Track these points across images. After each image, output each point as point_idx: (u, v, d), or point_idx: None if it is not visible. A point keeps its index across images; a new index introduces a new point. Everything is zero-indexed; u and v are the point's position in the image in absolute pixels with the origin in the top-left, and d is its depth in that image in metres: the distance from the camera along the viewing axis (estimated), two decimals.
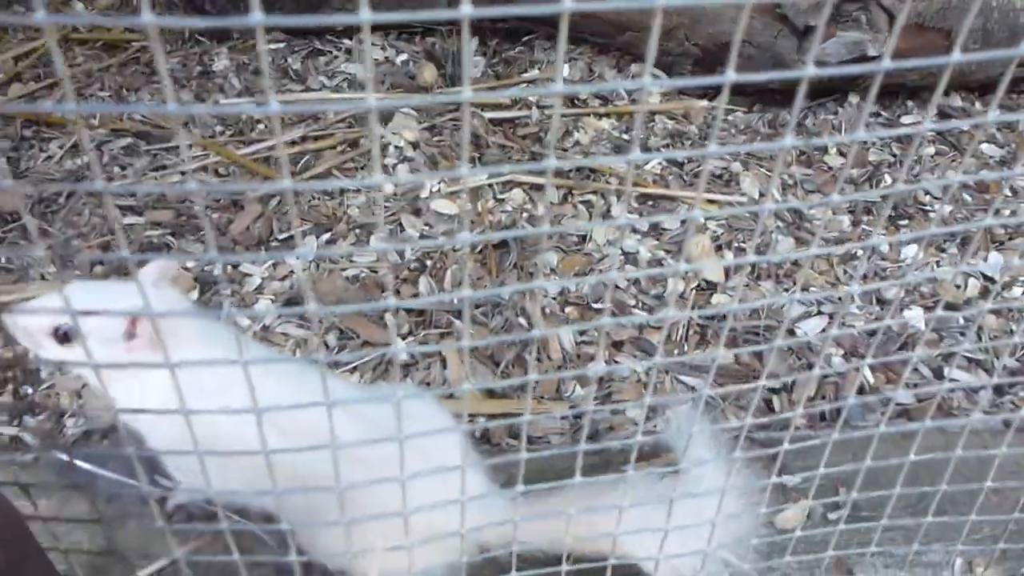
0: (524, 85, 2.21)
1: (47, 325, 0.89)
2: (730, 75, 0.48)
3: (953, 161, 2.15)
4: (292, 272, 1.71)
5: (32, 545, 0.69)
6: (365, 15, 0.43)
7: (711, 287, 1.77)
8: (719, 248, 1.85)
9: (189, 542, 1.19)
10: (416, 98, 0.42)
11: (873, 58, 2.09)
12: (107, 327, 0.88)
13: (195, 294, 1.66)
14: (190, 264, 1.71)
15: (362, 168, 1.95)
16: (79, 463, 0.88)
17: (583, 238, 1.84)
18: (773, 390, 1.60)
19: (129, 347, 0.89)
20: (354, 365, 1.55)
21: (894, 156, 2.17)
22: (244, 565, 0.74)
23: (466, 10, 0.42)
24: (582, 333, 1.64)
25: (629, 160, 0.50)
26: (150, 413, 0.61)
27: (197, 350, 0.90)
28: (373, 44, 2.31)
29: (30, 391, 1.52)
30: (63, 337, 0.90)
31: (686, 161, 2.06)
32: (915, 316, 1.78)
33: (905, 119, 2.28)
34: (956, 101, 2.34)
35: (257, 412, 0.57)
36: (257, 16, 0.41)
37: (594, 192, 1.94)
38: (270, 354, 1.07)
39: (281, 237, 1.79)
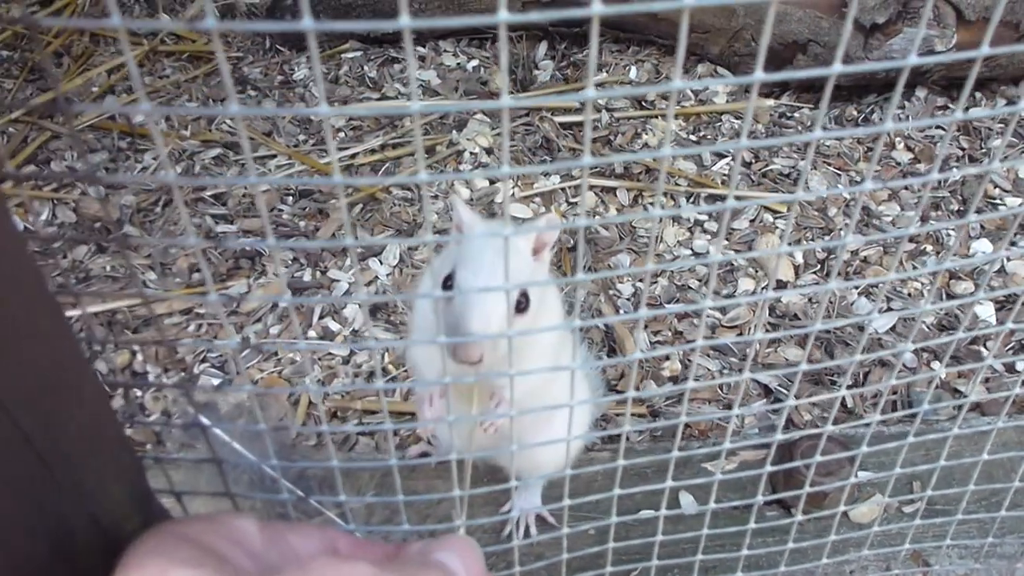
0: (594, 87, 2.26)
1: (507, 307, 0.92)
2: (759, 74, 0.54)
3: (1023, 153, 2.15)
4: (377, 277, 1.79)
5: None
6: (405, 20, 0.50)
7: (781, 286, 1.81)
8: (788, 246, 1.90)
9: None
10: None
11: (940, 53, 2.10)
12: (524, 253, 1.01)
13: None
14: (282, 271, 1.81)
15: (440, 173, 2.03)
16: (218, 431, 0.94)
17: (655, 239, 1.90)
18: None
19: (539, 259, 1.03)
20: None
21: (962, 150, 2.18)
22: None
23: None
24: (656, 333, 1.70)
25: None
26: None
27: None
28: (445, 51, 2.38)
29: (139, 394, 1.64)
30: (521, 306, 0.99)
31: (753, 160, 2.10)
32: (985, 311, 1.80)
33: (973, 110, 2.29)
34: None
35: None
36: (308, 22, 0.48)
37: (664, 193, 1.99)
38: None
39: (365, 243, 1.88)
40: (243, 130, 0.46)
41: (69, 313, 1.64)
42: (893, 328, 1.74)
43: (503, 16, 0.39)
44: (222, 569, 0.48)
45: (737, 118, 2.20)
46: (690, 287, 1.79)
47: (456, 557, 0.53)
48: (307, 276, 1.80)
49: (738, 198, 1.76)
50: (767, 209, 1.96)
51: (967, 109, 2.28)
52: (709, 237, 1.91)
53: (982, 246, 1.93)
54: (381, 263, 1.83)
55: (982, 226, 1.98)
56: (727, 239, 1.90)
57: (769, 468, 0.87)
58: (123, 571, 0.47)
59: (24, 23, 0.38)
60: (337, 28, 0.38)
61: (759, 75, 0.52)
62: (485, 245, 0.97)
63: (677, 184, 2.02)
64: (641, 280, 1.80)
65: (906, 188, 2.06)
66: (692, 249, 1.89)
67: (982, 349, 1.73)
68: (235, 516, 0.55)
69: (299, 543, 0.57)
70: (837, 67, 0.53)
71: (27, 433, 0.52)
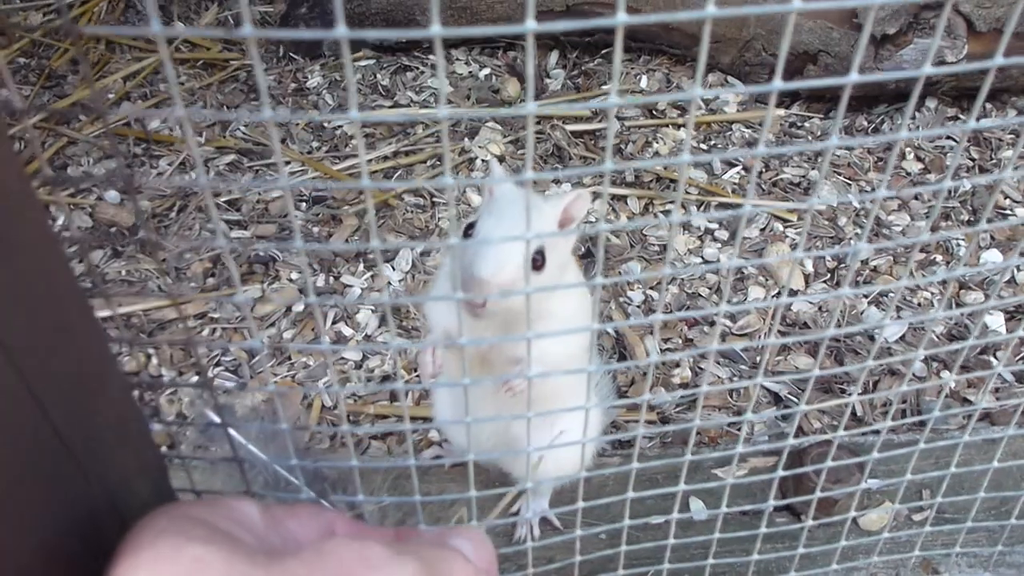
0: (603, 97, 2.28)
1: (524, 260, 0.93)
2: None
3: None
4: (390, 283, 1.81)
5: None
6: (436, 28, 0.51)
7: (792, 294, 1.82)
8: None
9: None
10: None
11: (950, 64, 2.11)
12: (550, 217, 1.01)
13: (300, 305, 1.77)
14: (294, 276, 1.82)
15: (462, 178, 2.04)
16: (235, 435, 0.95)
17: (664, 247, 1.91)
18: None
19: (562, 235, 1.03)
20: None
21: (972, 160, 2.19)
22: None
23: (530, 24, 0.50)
24: (666, 341, 1.71)
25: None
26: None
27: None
28: (457, 59, 2.40)
29: (153, 396, 1.65)
30: (537, 263, 0.99)
31: (764, 169, 2.11)
32: (995, 321, 1.81)
33: (984, 121, 2.30)
34: None
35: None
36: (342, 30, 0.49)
37: (673, 201, 2.00)
38: None
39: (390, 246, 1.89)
40: (275, 135, 0.47)
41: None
42: (903, 337, 1.75)
43: (530, 25, 0.40)
44: (235, 545, 0.47)
45: (747, 127, 2.21)
46: (700, 295, 1.80)
47: (469, 546, 0.54)
48: (320, 281, 1.82)
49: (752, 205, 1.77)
50: (777, 218, 1.97)
51: (978, 119, 2.28)
52: (719, 245, 1.91)
53: (992, 256, 1.94)
54: (394, 269, 1.84)
55: (992, 236, 1.98)
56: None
57: (779, 474, 0.88)
58: (134, 551, 0.46)
59: (66, 33, 0.39)
60: (370, 36, 0.39)
61: (777, 84, 0.53)
62: (513, 200, 1.00)
63: (688, 193, 2.03)
64: (652, 287, 1.81)
65: (916, 198, 2.07)
66: (703, 257, 1.90)
67: (992, 358, 1.74)
68: (236, 499, 0.55)
69: (298, 529, 0.56)
70: (853, 76, 0.54)
71: (56, 424, 0.54)
